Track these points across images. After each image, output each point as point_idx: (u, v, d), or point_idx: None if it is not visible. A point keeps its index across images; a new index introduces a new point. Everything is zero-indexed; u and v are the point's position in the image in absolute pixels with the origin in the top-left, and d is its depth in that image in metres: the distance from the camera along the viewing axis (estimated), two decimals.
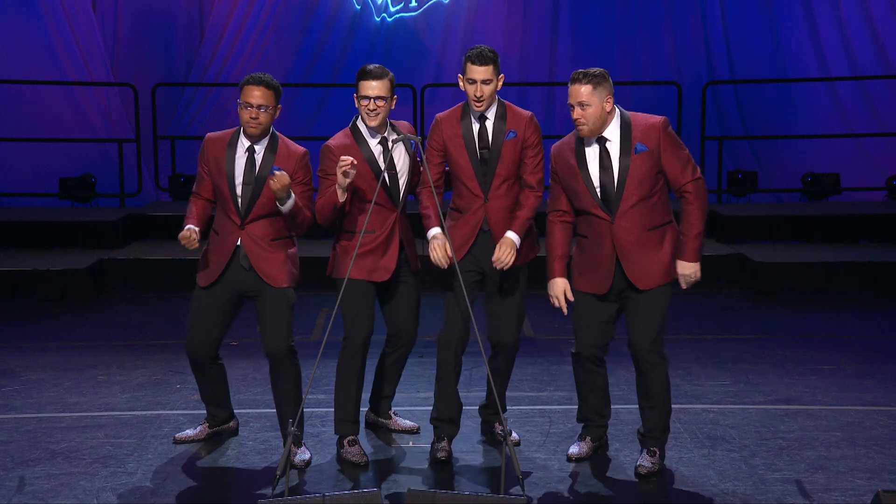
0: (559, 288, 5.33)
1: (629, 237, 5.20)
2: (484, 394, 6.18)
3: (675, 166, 5.19)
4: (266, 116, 5.42)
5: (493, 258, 5.41)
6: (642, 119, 5.26)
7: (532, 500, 5.05)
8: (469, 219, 5.56)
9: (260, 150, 5.48)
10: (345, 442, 5.61)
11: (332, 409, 5.69)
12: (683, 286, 5.37)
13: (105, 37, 13.90)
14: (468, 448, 5.78)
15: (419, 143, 5.44)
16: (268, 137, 5.50)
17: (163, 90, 13.32)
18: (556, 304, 5.35)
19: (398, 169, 5.54)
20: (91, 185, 12.51)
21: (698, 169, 5.27)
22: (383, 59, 13.37)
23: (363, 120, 5.51)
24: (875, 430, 6.03)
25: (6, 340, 8.20)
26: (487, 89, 5.45)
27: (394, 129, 5.59)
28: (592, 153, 5.24)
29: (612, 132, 5.23)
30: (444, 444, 5.63)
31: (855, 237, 11.00)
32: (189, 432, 5.91)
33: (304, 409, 5.69)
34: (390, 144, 5.47)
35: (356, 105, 5.49)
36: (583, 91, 5.17)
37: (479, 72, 5.44)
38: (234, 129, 5.57)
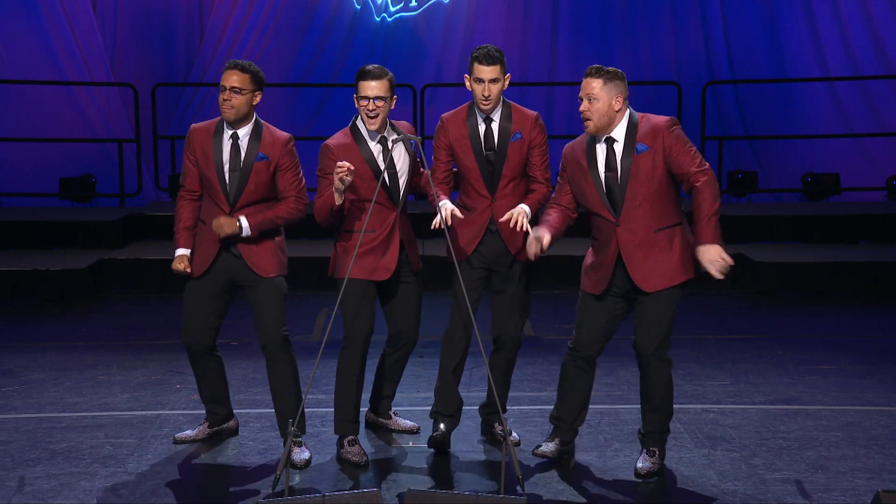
0: (537, 232, 5.22)
1: (633, 238, 5.19)
2: (484, 394, 6.18)
3: (683, 162, 5.15)
4: (240, 100, 5.43)
5: (504, 217, 5.38)
6: (648, 120, 5.25)
7: (531, 500, 5.05)
8: (476, 219, 5.57)
9: (244, 136, 5.51)
10: (345, 442, 5.61)
11: (332, 409, 5.69)
12: (717, 275, 5.16)
13: (105, 37, 13.90)
14: (468, 448, 5.78)
15: (419, 144, 5.44)
16: (251, 124, 5.53)
17: (163, 90, 13.32)
18: (531, 249, 5.20)
19: (398, 168, 5.55)
20: (91, 185, 12.51)
21: (707, 163, 5.23)
22: (383, 59, 13.37)
23: (363, 121, 5.51)
24: (875, 430, 6.03)
25: (6, 340, 8.20)
26: (495, 89, 5.48)
27: (394, 128, 5.59)
28: (601, 154, 5.24)
29: (620, 133, 5.22)
30: (441, 426, 5.69)
31: (855, 237, 11.00)
32: (189, 432, 5.91)
33: (304, 409, 5.67)
34: (390, 144, 5.47)
35: (356, 105, 5.49)
36: (594, 84, 5.17)
37: (487, 71, 5.45)
38: (217, 119, 5.61)
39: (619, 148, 5.21)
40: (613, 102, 5.18)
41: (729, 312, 9.18)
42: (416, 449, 5.78)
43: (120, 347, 8.02)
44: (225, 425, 5.98)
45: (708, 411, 6.39)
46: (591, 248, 5.40)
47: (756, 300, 9.64)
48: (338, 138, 5.54)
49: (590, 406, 6.40)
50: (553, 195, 5.46)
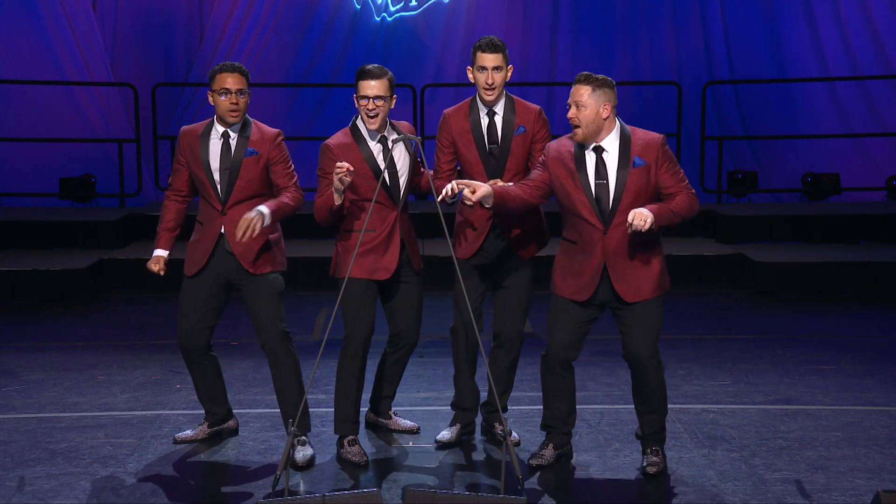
0: (482, 191, 5.12)
1: (620, 248, 5.19)
2: (485, 392, 6.18)
3: (671, 181, 5.21)
4: (244, 102, 5.48)
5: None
6: (642, 134, 5.25)
7: (531, 500, 5.05)
8: (480, 215, 5.57)
9: (234, 134, 5.54)
10: (345, 442, 5.61)
11: (332, 409, 5.69)
12: (630, 221, 5.02)
13: (105, 37, 13.90)
14: (468, 448, 5.78)
15: (419, 143, 5.44)
16: (241, 121, 5.56)
17: (163, 90, 13.32)
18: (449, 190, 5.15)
19: (398, 168, 5.55)
20: (91, 185, 12.51)
21: (691, 186, 5.29)
22: (383, 59, 13.37)
23: (363, 121, 5.51)
24: (875, 430, 6.03)
25: (6, 340, 8.20)
26: (498, 77, 5.51)
27: (394, 128, 5.59)
28: (589, 161, 5.22)
29: (611, 143, 5.21)
30: (454, 427, 5.77)
31: (855, 237, 11.00)
32: (189, 432, 5.91)
33: (308, 408, 5.67)
34: (390, 144, 5.48)
35: (356, 105, 5.50)
36: (582, 91, 5.16)
37: (490, 59, 5.49)
38: (207, 121, 5.62)
39: (610, 158, 5.19)
40: (601, 110, 5.16)
41: (729, 312, 9.18)
42: (416, 449, 5.78)
43: (120, 347, 8.02)
44: (225, 425, 5.98)
45: (708, 411, 6.39)
46: (563, 249, 5.35)
47: (756, 300, 9.64)
48: (338, 138, 5.55)
49: (590, 406, 6.43)
50: (524, 178, 5.41)
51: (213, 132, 5.55)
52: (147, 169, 13.04)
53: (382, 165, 5.42)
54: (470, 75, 5.60)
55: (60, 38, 13.29)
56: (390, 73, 5.51)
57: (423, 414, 6.27)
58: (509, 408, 6.18)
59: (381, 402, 6.04)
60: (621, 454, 5.68)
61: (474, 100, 5.64)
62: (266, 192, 5.55)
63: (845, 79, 13.64)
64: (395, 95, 5.51)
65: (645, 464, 5.42)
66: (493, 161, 5.58)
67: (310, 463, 5.49)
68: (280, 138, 5.57)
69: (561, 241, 5.37)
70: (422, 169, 5.65)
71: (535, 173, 5.32)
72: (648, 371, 5.32)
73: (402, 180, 5.56)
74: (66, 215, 11.40)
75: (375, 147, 5.51)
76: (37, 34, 13.21)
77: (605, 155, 5.20)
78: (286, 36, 14.34)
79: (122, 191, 12.19)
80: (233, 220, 5.49)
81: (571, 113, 5.17)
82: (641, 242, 5.19)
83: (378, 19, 14.38)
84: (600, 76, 5.21)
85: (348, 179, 5.25)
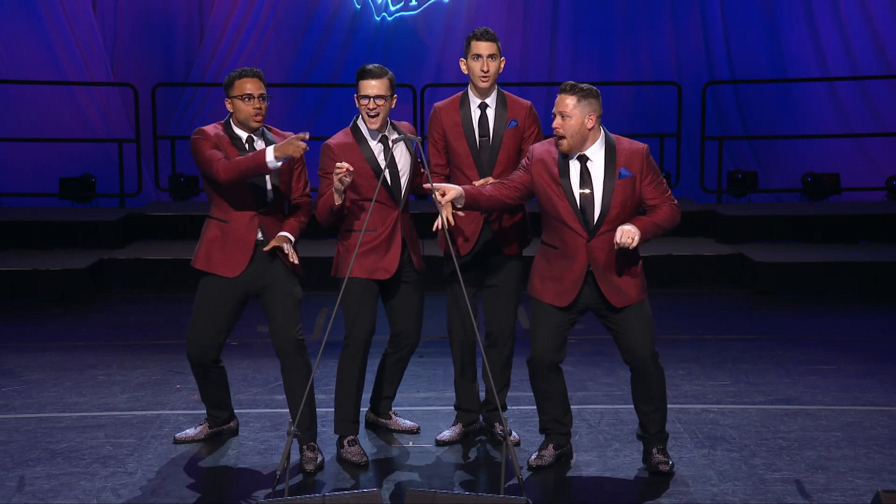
0: (453, 192, 5.14)
1: (605, 256, 5.19)
2: (484, 391, 6.18)
3: (654, 192, 5.22)
4: (266, 107, 5.45)
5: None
6: (627, 144, 5.25)
7: (531, 500, 5.05)
8: (469, 216, 5.57)
9: (258, 139, 5.50)
10: (345, 442, 5.61)
11: (332, 409, 5.69)
12: (618, 239, 5.05)
13: (105, 37, 13.91)
14: (468, 448, 5.78)
15: (420, 144, 5.45)
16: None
17: (163, 90, 13.33)
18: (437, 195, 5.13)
19: (399, 167, 5.55)
20: (91, 185, 12.51)
21: (673, 197, 5.31)
22: (383, 59, 13.37)
23: (363, 120, 5.51)
24: (875, 430, 6.03)
25: (6, 340, 8.20)
26: (493, 65, 5.55)
27: (395, 128, 5.59)
28: (574, 169, 5.21)
29: (595, 153, 5.21)
30: (455, 427, 5.81)
31: (855, 237, 11.00)
32: (189, 432, 5.91)
33: (316, 415, 5.66)
34: (391, 143, 5.48)
35: (356, 105, 5.50)
36: (567, 102, 5.14)
37: (485, 47, 5.54)
38: (219, 124, 5.53)
39: (595, 168, 5.19)
40: (586, 120, 5.14)
41: (729, 312, 9.18)
42: (416, 449, 5.78)
43: (120, 347, 8.02)
44: (225, 426, 5.97)
45: (708, 411, 6.39)
46: (543, 253, 5.33)
47: (756, 300, 9.64)
48: (339, 138, 5.55)
49: (590, 406, 6.44)
50: (504, 178, 5.40)
51: (237, 137, 5.47)
52: (147, 169, 13.04)
53: (383, 165, 5.42)
54: (463, 66, 5.64)
55: (60, 38, 13.30)
56: (391, 72, 5.51)
57: (423, 414, 6.27)
58: (509, 407, 6.18)
59: (382, 402, 6.04)
60: (621, 454, 5.68)
61: (465, 94, 5.67)
62: (293, 192, 5.56)
63: (845, 79, 13.64)
64: (395, 95, 5.51)
65: (656, 463, 5.42)
66: (482, 154, 5.59)
67: (318, 469, 5.47)
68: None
69: (540, 245, 5.35)
70: (422, 170, 5.65)
71: (517, 174, 5.30)
72: (651, 371, 5.33)
73: (403, 180, 5.56)
74: (66, 215, 11.40)
75: (376, 147, 5.51)
76: (37, 34, 13.22)
77: (589, 164, 5.19)
78: (286, 36, 14.35)
79: (122, 191, 12.19)
80: (270, 223, 5.47)
81: (556, 123, 5.16)
82: (625, 250, 5.18)
83: (378, 19, 14.39)
84: (585, 86, 5.18)
85: (348, 179, 5.25)
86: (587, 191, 5.17)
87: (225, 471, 5.51)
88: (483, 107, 5.62)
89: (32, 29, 13.21)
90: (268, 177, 5.43)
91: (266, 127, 5.56)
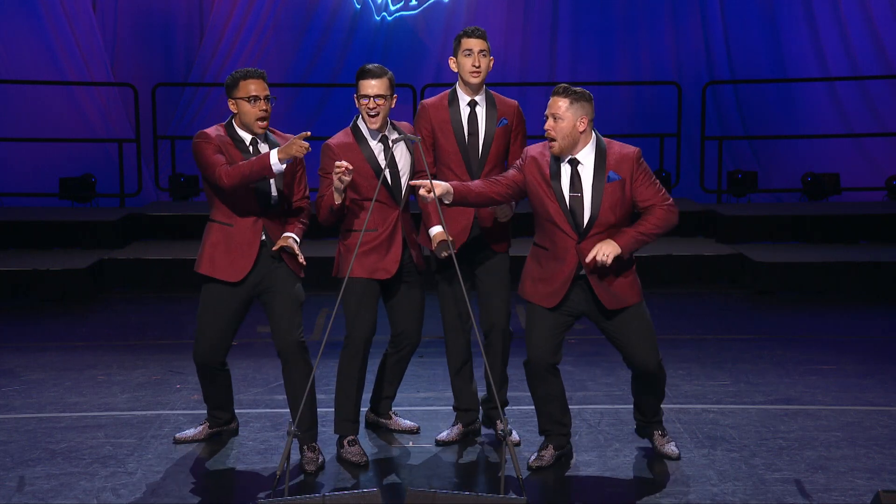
0: (441, 188, 5.14)
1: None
2: (484, 390, 6.18)
3: (648, 194, 5.21)
4: (270, 108, 5.44)
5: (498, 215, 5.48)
6: (618, 148, 5.24)
7: (531, 500, 5.05)
8: (460, 210, 5.57)
9: (262, 143, 5.48)
10: (345, 442, 5.61)
11: (332, 409, 5.69)
12: (591, 258, 5.10)
13: (105, 37, 13.91)
14: (468, 448, 5.78)
15: (420, 144, 5.45)
16: None
17: (163, 90, 13.33)
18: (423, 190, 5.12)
19: (399, 167, 5.55)
20: (91, 185, 12.51)
21: (670, 197, 5.29)
22: (383, 59, 13.38)
23: (364, 120, 5.52)
24: (875, 430, 6.03)
25: (6, 340, 8.20)
26: (484, 62, 5.57)
27: (395, 128, 5.60)
28: (564, 172, 5.22)
29: (586, 156, 5.21)
30: (455, 427, 5.83)
31: (855, 237, 11.00)
32: (189, 432, 5.90)
33: (318, 417, 5.66)
34: (391, 143, 5.48)
35: (356, 105, 5.50)
36: (560, 104, 5.14)
37: (477, 43, 5.57)
38: (221, 126, 5.50)
39: (585, 171, 5.19)
40: (578, 123, 5.14)
41: (729, 312, 9.18)
42: (416, 449, 5.78)
43: (120, 347, 8.02)
44: (226, 427, 5.97)
45: (708, 411, 6.39)
46: (534, 255, 5.34)
47: (756, 300, 9.64)
48: (339, 138, 5.55)
49: (590, 406, 6.44)
50: (497, 175, 5.39)
51: (241, 140, 5.45)
52: (147, 169, 13.05)
53: (383, 165, 5.42)
54: (453, 65, 5.65)
55: (60, 38, 13.30)
56: (390, 72, 5.51)
57: (423, 414, 6.27)
58: (509, 408, 6.17)
59: (382, 402, 6.04)
60: (621, 454, 5.68)
61: (454, 91, 5.67)
62: (296, 195, 5.55)
63: (845, 79, 13.64)
64: (395, 94, 5.51)
65: (664, 451, 5.55)
66: (472, 152, 5.59)
67: (319, 470, 5.47)
68: None
69: (532, 247, 5.36)
70: (421, 170, 5.64)
71: (511, 172, 5.31)
72: (656, 377, 5.37)
73: (404, 180, 5.56)
74: (66, 215, 11.40)
75: (376, 146, 5.51)
76: (37, 34, 13.22)
77: (580, 168, 5.20)
78: (286, 36, 14.35)
79: (122, 191, 12.19)
80: (274, 225, 5.46)
81: (548, 125, 5.15)
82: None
83: (378, 19, 14.40)
84: (578, 89, 5.19)
85: (347, 178, 5.25)
86: (577, 194, 5.18)
87: (225, 471, 5.51)
88: (472, 104, 5.63)
89: (32, 29, 13.21)
90: (272, 180, 5.42)
91: (269, 129, 5.55)
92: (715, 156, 12.67)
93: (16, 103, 13.09)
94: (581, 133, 5.16)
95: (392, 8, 14.40)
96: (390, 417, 6.05)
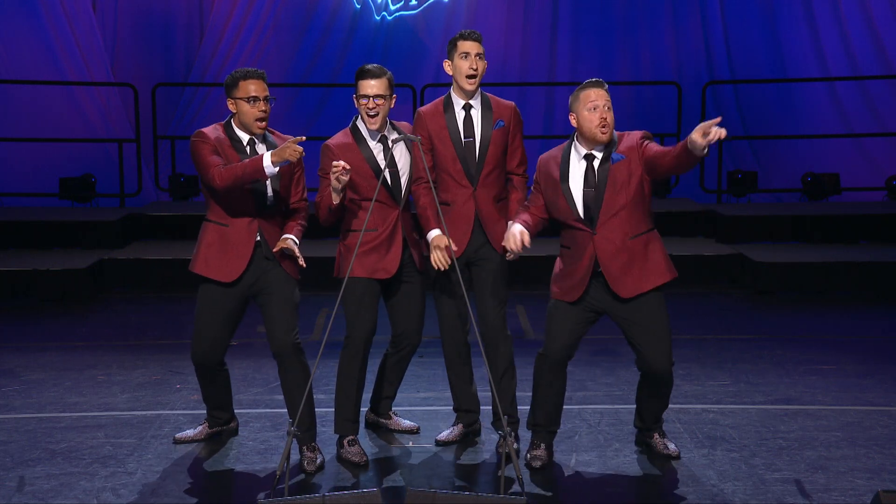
0: (515, 228, 5.26)
1: (610, 247, 5.21)
2: (486, 393, 6.17)
3: (661, 150, 5.21)
4: (269, 108, 5.43)
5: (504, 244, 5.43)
6: (627, 137, 5.30)
7: (531, 500, 5.05)
8: (460, 212, 5.57)
9: (259, 143, 5.48)
10: (344, 442, 5.61)
11: (332, 409, 5.69)
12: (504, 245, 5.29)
13: (105, 37, 13.91)
14: (468, 448, 5.78)
15: (419, 144, 5.46)
16: None
17: (163, 90, 13.33)
18: (510, 244, 5.24)
19: (399, 167, 5.55)
20: (91, 185, 12.51)
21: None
22: (383, 59, 13.38)
23: (363, 120, 5.52)
24: (875, 430, 6.03)
25: (6, 340, 8.20)
26: (481, 64, 5.55)
27: (394, 128, 5.60)
28: (578, 168, 5.26)
29: (600, 148, 5.28)
30: (455, 427, 5.85)
31: (855, 237, 11.00)
32: (189, 432, 5.90)
33: (316, 417, 5.65)
34: (390, 143, 5.48)
35: (356, 105, 5.51)
36: (607, 96, 5.25)
37: (473, 46, 5.56)
38: (219, 125, 5.50)
39: (597, 164, 5.25)
40: None
41: (729, 312, 9.18)
42: (417, 449, 5.78)
43: (120, 347, 8.02)
44: (226, 427, 5.97)
45: (708, 411, 6.39)
46: (561, 257, 5.41)
47: (756, 300, 9.64)
48: (338, 138, 5.56)
49: (590, 406, 6.44)
50: (526, 202, 5.49)
51: (238, 140, 5.45)
52: (147, 169, 13.05)
53: (383, 165, 5.42)
54: (448, 68, 5.63)
55: (60, 38, 13.30)
56: (390, 72, 5.51)
57: (423, 414, 6.27)
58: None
59: (382, 402, 6.04)
60: (621, 454, 5.68)
61: (448, 97, 5.67)
62: (293, 196, 5.55)
63: (845, 79, 13.64)
64: (394, 94, 5.51)
65: (667, 450, 5.56)
66: (469, 155, 5.59)
67: (319, 468, 5.47)
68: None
69: (560, 249, 5.41)
70: (422, 169, 5.64)
71: (533, 197, 5.42)
72: (666, 379, 5.37)
73: (403, 180, 5.56)
74: (66, 215, 11.40)
75: (376, 147, 5.51)
76: (37, 34, 13.22)
77: (594, 161, 5.26)
78: (286, 36, 14.35)
79: (122, 191, 12.19)
80: (269, 226, 5.45)
81: (603, 114, 5.18)
82: (633, 237, 5.22)
83: (378, 18, 14.40)
84: None
85: (345, 178, 5.25)
86: (590, 187, 5.22)
87: (225, 471, 5.51)
88: (467, 108, 5.63)
89: (32, 29, 13.21)
90: (268, 181, 5.41)
91: (268, 130, 5.55)
92: (715, 156, 12.67)
93: (16, 103, 13.10)
94: None
95: (392, 8, 14.40)
96: (390, 417, 6.05)
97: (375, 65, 5.50)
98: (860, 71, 13.81)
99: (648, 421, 5.60)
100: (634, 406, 5.67)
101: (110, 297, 9.85)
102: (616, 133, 5.31)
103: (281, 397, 6.11)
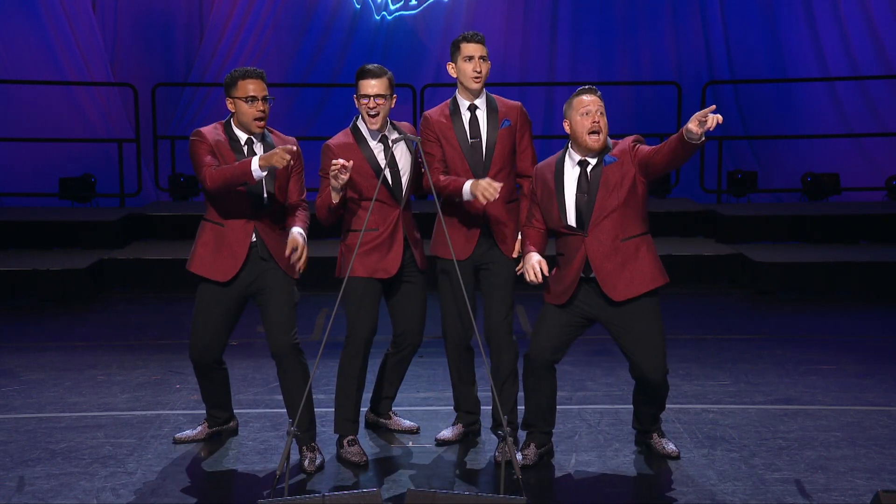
0: (533, 258, 5.31)
1: (601, 248, 5.22)
2: (487, 394, 6.17)
3: (648, 150, 5.22)
4: (268, 109, 5.43)
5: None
6: (620, 142, 5.32)
7: (531, 500, 5.05)
8: (469, 213, 5.57)
9: (257, 142, 5.47)
10: (344, 442, 5.61)
11: (332, 409, 5.69)
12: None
13: (105, 37, 13.91)
14: (468, 448, 5.78)
15: (420, 144, 5.46)
16: None
17: (162, 90, 13.33)
18: (530, 275, 5.28)
19: (400, 167, 5.55)
20: (91, 185, 12.52)
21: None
22: (383, 59, 13.38)
23: (364, 120, 5.52)
24: (875, 430, 6.03)
25: (6, 340, 8.20)
26: (484, 66, 5.54)
27: (395, 128, 5.60)
28: (572, 175, 5.28)
29: (594, 156, 5.29)
30: (455, 427, 5.85)
31: (855, 237, 11.00)
32: (189, 432, 5.90)
33: (315, 418, 5.65)
34: (391, 143, 5.48)
35: (356, 105, 5.51)
36: (600, 102, 5.26)
37: (477, 48, 5.56)
38: (219, 124, 5.51)
39: (591, 169, 5.27)
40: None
41: (729, 312, 9.18)
42: (417, 449, 5.78)
43: (120, 347, 8.02)
44: (225, 426, 5.97)
45: (708, 411, 6.39)
46: (557, 265, 5.42)
47: (756, 300, 9.64)
48: (339, 138, 5.56)
49: (590, 406, 6.44)
50: (526, 219, 5.51)
51: (236, 139, 5.44)
52: (147, 169, 13.05)
53: (383, 164, 5.43)
54: (451, 70, 5.63)
55: (60, 38, 13.30)
56: (390, 72, 5.52)
57: (423, 414, 6.27)
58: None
59: (382, 402, 6.04)
60: (621, 454, 5.68)
61: (454, 99, 5.67)
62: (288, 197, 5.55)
63: (845, 79, 13.64)
64: (395, 94, 5.52)
65: (667, 450, 5.57)
66: (475, 156, 5.59)
67: (319, 469, 5.47)
68: (298, 147, 5.55)
69: (557, 257, 5.43)
70: (423, 169, 5.65)
71: (532, 209, 5.45)
72: (659, 386, 5.36)
73: (404, 179, 5.56)
74: (66, 215, 11.40)
75: (376, 147, 5.51)
76: (37, 34, 13.22)
77: (588, 168, 5.27)
78: (286, 36, 14.35)
79: (122, 191, 12.19)
80: (265, 226, 5.44)
81: (595, 119, 5.20)
82: (624, 239, 5.22)
83: (378, 18, 14.40)
84: None
85: (344, 176, 5.24)
86: (583, 194, 5.23)
87: (225, 471, 5.51)
88: (472, 108, 5.63)
89: (32, 29, 13.21)
90: (264, 182, 5.41)
91: (268, 129, 5.55)
92: (715, 156, 12.67)
93: (16, 103, 13.10)
94: None
95: (392, 8, 14.40)
96: (390, 417, 6.05)
97: (376, 65, 5.51)
98: (860, 71, 13.81)
99: (646, 423, 5.61)
100: (636, 406, 5.66)
101: (110, 297, 9.85)
102: (610, 140, 5.32)
103: (281, 397, 6.11)
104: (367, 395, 5.90)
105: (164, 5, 14.13)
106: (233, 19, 14.20)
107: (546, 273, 5.29)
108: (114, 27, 14.08)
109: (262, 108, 5.40)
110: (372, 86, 5.42)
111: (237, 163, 5.28)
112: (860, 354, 7.70)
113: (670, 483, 5.30)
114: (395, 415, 6.08)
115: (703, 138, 4.93)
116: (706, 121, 4.86)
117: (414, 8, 14.38)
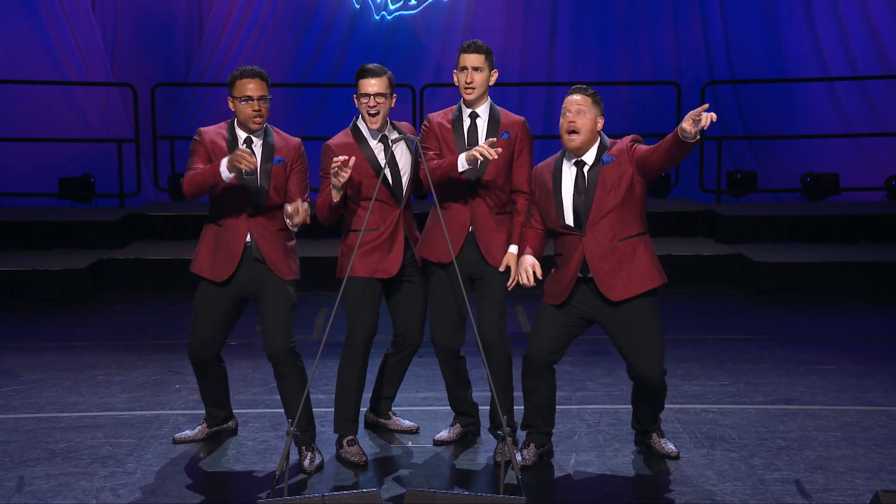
0: (527, 261, 5.34)
1: (598, 248, 5.21)
2: (485, 394, 6.17)
3: (646, 149, 5.22)
4: (266, 108, 5.43)
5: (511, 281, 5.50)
6: (618, 142, 5.32)
7: (531, 500, 5.05)
8: (455, 218, 5.55)
9: (257, 141, 5.47)
10: (344, 442, 5.61)
11: (332, 409, 5.69)
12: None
13: (105, 37, 13.92)
14: (468, 448, 5.78)
15: (420, 144, 5.46)
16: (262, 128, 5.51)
17: (162, 90, 13.33)
18: (523, 279, 5.32)
19: (400, 166, 5.55)
20: (91, 185, 12.52)
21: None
22: (383, 59, 13.38)
23: (364, 120, 5.52)
24: (875, 430, 6.03)
25: (6, 340, 8.20)
26: (478, 77, 5.53)
27: (395, 127, 5.60)
28: (569, 175, 5.27)
29: (591, 156, 5.28)
30: (454, 427, 5.85)
31: (855, 237, 11.00)
32: (188, 432, 5.90)
33: (314, 418, 5.65)
34: (391, 143, 5.48)
35: (356, 105, 5.51)
36: (580, 100, 5.24)
37: (470, 59, 5.53)
38: (225, 123, 5.53)
39: (587, 169, 5.26)
40: (598, 120, 5.25)
41: (729, 312, 9.18)
42: (417, 449, 5.78)
43: (120, 347, 8.02)
44: (224, 426, 5.97)
45: (707, 411, 6.39)
46: (555, 265, 5.42)
47: (756, 300, 9.64)
48: (339, 138, 5.56)
49: (589, 406, 6.44)
50: (526, 219, 5.51)
51: (236, 137, 5.46)
52: (146, 169, 13.05)
53: (383, 164, 5.42)
54: (455, 79, 5.63)
55: (60, 38, 13.30)
56: (390, 71, 5.52)
57: (423, 414, 6.28)
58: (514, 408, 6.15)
59: (382, 402, 6.03)
60: (621, 454, 5.68)
61: (459, 105, 5.68)
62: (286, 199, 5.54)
63: (845, 79, 13.64)
64: (395, 94, 5.52)
65: (666, 450, 5.57)
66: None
67: (318, 469, 5.47)
68: (302, 147, 5.54)
69: (555, 258, 5.42)
70: (421, 167, 5.64)
71: (532, 210, 5.45)
72: (657, 387, 5.36)
73: (405, 179, 5.56)
74: (66, 215, 11.40)
75: (377, 146, 5.51)
76: (37, 34, 13.23)
77: (585, 168, 5.26)
78: (286, 36, 14.35)
79: (122, 191, 12.19)
80: (260, 227, 5.45)
81: (571, 118, 5.20)
82: (621, 239, 5.22)
83: (377, 18, 14.40)
84: (592, 90, 5.32)
85: (345, 174, 5.24)
86: (580, 194, 5.22)
87: (224, 471, 5.51)
88: (473, 116, 5.62)
89: (32, 29, 13.21)
90: (259, 181, 5.41)
91: (274, 130, 5.55)
92: (714, 156, 12.67)
93: (16, 103, 13.10)
94: (597, 132, 5.26)
95: (391, 7, 14.40)
96: (390, 417, 6.05)
97: (375, 64, 5.51)
98: (860, 71, 13.81)
99: (645, 423, 5.62)
100: (635, 408, 5.66)
101: (110, 297, 9.85)
102: (609, 140, 5.32)
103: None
104: (366, 395, 5.90)
105: (164, 5, 14.13)
106: (232, 19, 14.21)
107: (539, 276, 5.30)
108: (113, 27, 14.08)
109: (257, 107, 5.40)
110: (372, 85, 5.42)
111: (209, 166, 5.31)
112: (860, 354, 7.70)
113: (670, 483, 5.30)
114: (395, 415, 6.08)
115: (698, 137, 4.93)
116: (700, 119, 4.86)
117: (413, 8, 14.38)
